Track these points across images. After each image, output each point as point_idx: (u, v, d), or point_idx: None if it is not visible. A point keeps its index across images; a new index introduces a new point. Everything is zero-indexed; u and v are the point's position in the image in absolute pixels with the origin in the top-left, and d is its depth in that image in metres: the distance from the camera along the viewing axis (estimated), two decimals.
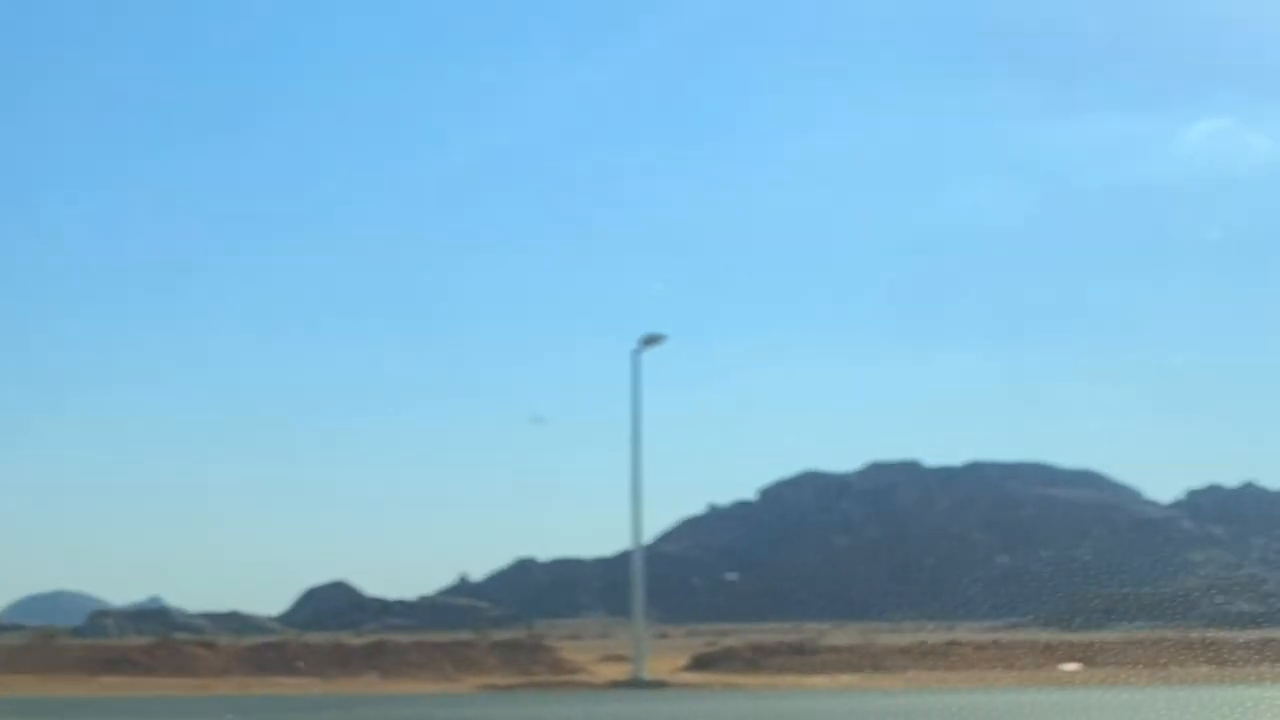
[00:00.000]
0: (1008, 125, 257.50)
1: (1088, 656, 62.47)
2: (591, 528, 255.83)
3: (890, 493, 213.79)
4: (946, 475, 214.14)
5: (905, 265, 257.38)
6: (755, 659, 69.66)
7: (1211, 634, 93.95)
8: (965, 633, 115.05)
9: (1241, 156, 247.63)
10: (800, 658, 69.79)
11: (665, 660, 69.95)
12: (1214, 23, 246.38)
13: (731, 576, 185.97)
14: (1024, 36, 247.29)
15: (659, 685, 60.38)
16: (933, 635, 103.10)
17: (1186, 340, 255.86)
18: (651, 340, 68.57)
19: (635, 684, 61.28)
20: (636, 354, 68.28)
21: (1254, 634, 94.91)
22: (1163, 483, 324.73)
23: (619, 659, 69.56)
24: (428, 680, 64.52)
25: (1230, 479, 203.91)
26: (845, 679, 58.58)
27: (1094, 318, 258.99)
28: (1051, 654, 63.83)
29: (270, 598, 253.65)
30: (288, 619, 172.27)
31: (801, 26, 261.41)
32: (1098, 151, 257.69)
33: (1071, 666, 59.62)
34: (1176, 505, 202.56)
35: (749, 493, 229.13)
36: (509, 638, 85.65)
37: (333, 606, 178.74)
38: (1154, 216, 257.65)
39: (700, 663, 71.70)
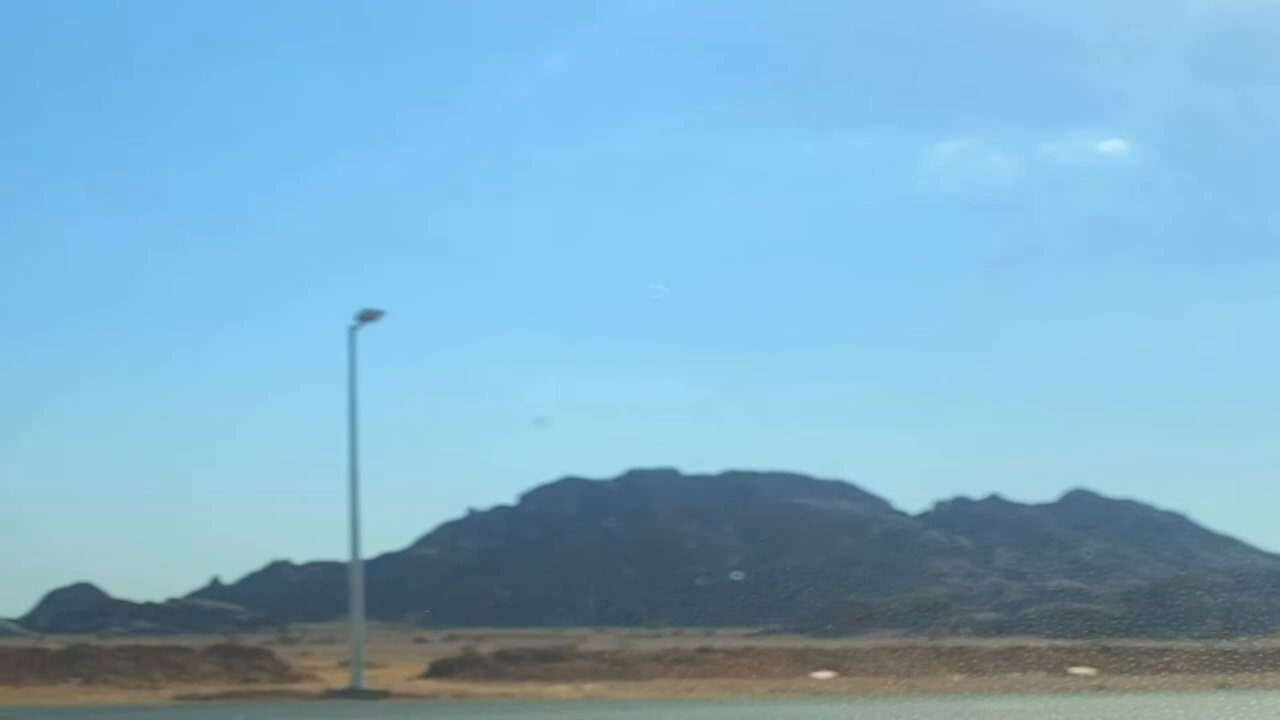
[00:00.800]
0: (756, 139, 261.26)
1: (840, 664, 63.60)
2: (347, 530, 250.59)
3: (649, 499, 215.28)
4: (704, 483, 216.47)
5: (662, 274, 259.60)
6: (498, 666, 68.00)
7: (960, 642, 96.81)
8: (723, 639, 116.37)
9: (986, 176, 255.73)
10: (546, 665, 68.22)
11: (405, 667, 68.63)
12: (958, 43, 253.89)
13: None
14: (773, 51, 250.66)
15: (380, 695, 58.94)
16: (687, 641, 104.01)
17: (935, 354, 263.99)
18: (368, 316, 64.71)
19: (354, 693, 59.78)
20: (353, 331, 64.96)
21: (1001, 642, 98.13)
22: (912, 493, 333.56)
23: (369, 665, 68.27)
24: (131, 688, 62.12)
25: (976, 491, 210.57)
26: (590, 687, 58.18)
27: (846, 330, 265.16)
28: (804, 662, 64.67)
29: (10, 599, 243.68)
30: (29, 622, 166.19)
31: (552, 35, 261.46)
32: (844, 167, 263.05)
33: (824, 674, 60.62)
34: (924, 516, 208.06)
35: (509, 497, 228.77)
36: (226, 643, 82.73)
37: (77, 609, 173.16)
38: (900, 232, 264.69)
39: (439, 669, 69.68)
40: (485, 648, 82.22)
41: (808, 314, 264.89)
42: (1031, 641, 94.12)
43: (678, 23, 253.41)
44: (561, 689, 57.78)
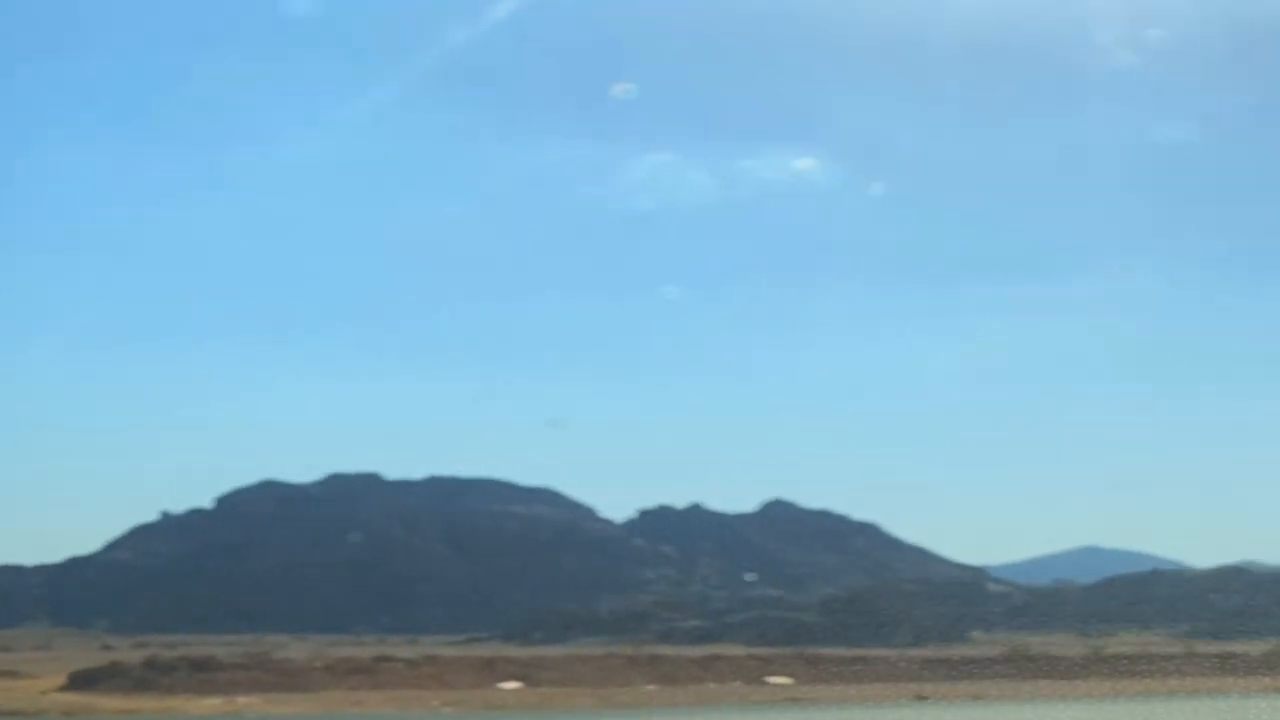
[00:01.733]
0: (456, 147, 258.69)
1: (530, 674, 61.00)
2: (33, 535, 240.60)
3: (351, 504, 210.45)
4: (408, 488, 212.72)
5: (363, 280, 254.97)
6: (148, 677, 64.23)
7: (661, 649, 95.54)
8: (426, 647, 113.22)
9: (685, 190, 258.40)
10: (202, 675, 65.05)
11: (47, 679, 63.48)
12: (659, 58, 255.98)
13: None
14: (477, 59, 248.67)
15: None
16: (390, 649, 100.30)
17: (638, 363, 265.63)
18: None
19: None
20: None
21: (701, 650, 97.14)
22: (616, 501, 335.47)
23: (11, 674, 62.94)
24: None
25: (678, 500, 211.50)
26: (245, 700, 54.31)
27: (548, 338, 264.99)
28: (492, 671, 61.82)
29: None
30: None
31: (269, 42, 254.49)
32: (544, 178, 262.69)
33: (511, 685, 57.99)
34: (629, 524, 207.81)
35: (205, 500, 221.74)
36: None
37: None
38: (600, 243, 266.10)
39: (80, 681, 65.33)
40: (135, 657, 77.34)
41: (509, 323, 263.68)
42: (733, 649, 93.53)
43: (377, 28, 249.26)
44: (211, 703, 53.63)
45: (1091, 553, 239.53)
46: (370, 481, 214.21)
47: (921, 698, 42.74)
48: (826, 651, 74.86)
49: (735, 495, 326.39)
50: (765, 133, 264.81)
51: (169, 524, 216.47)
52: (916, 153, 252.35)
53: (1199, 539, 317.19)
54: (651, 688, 56.53)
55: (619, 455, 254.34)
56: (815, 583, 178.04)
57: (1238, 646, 79.23)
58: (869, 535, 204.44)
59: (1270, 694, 40.64)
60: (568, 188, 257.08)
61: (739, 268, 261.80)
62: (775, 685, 57.28)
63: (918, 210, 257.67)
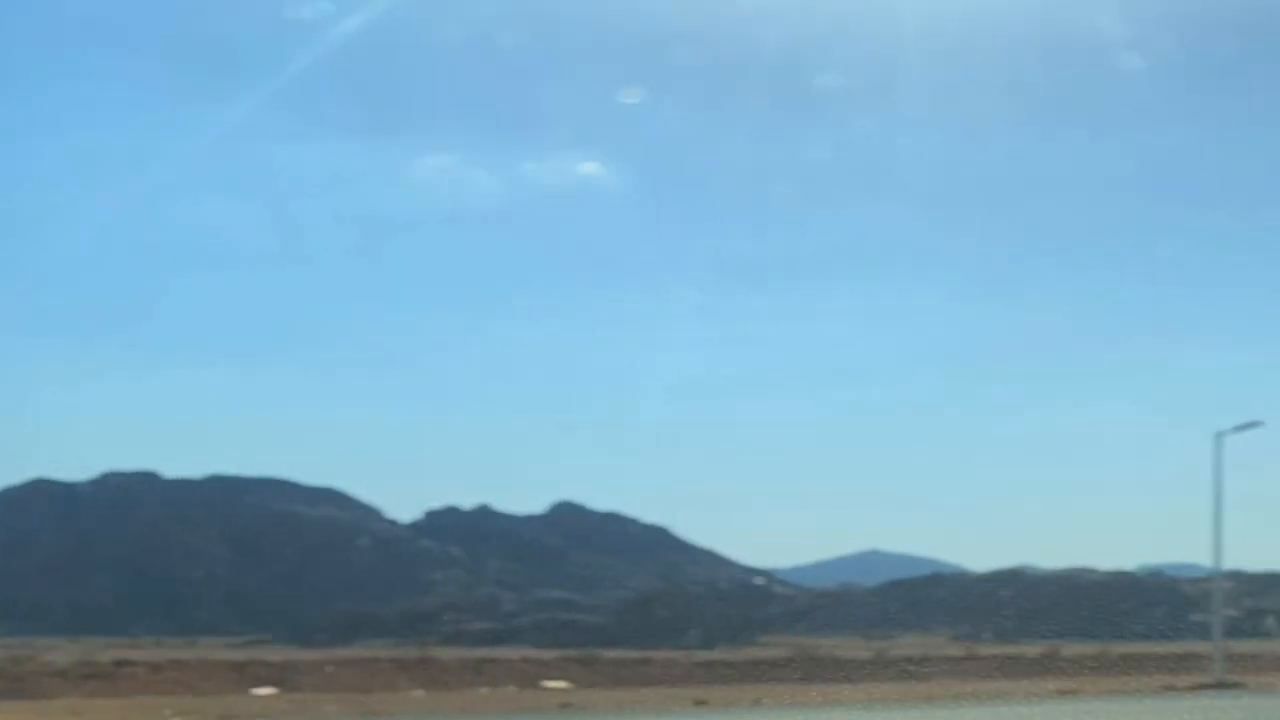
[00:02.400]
0: (235, 144, 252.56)
1: (286, 678, 57.94)
2: None
3: (128, 503, 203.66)
4: (187, 487, 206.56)
5: (137, 275, 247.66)
6: None
7: (438, 652, 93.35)
8: (206, 649, 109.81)
9: (470, 192, 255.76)
10: None
11: None
12: (445, 59, 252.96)
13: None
14: (249, 54, 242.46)
15: None
16: (159, 652, 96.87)
17: (421, 364, 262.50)
18: None
19: None
20: None
21: (488, 653, 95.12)
22: (403, 502, 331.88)
23: None
24: None
25: (466, 501, 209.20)
26: None
27: (327, 339, 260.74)
28: (244, 676, 58.54)
29: None
30: None
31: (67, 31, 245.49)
32: (326, 176, 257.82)
33: (265, 691, 55.08)
34: (416, 525, 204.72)
35: None
36: None
37: None
38: (384, 242, 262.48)
39: None
40: None
41: (291, 322, 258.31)
42: (522, 653, 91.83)
43: (151, 23, 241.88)
44: None
45: (875, 556, 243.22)
46: (147, 480, 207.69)
47: (701, 702, 40.89)
48: (611, 655, 73.12)
49: (523, 497, 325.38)
50: (551, 136, 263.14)
51: None
52: (704, 159, 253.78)
53: (977, 543, 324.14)
54: (419, 693, 54.04)
55: (406, 456, 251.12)
56: (606, 585, 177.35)
57: (1014, 648, 79.72)
58: (658, 538, 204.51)
59: (1051, 698, 39.83)
60: (347, 187, 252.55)
61: (522, 270, 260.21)
62: (551, 690, 55.16)
63: (702, 216, 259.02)
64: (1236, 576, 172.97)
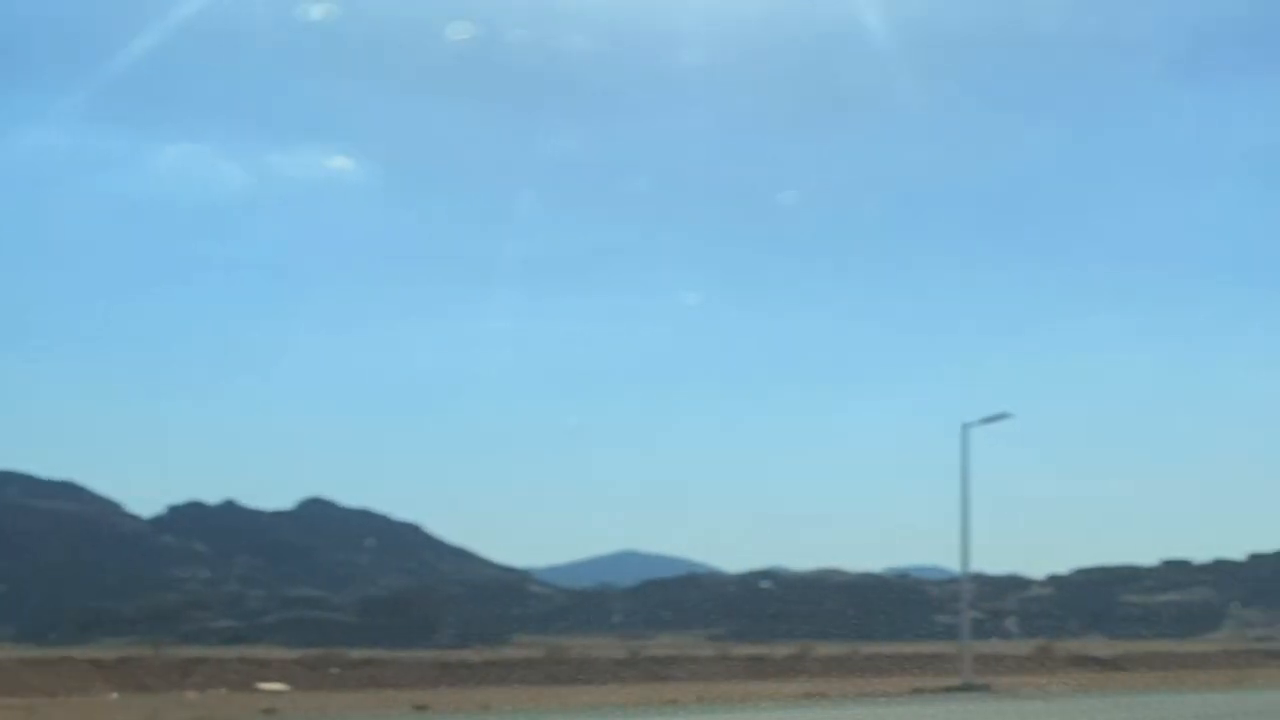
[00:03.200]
0: None
1: None
2: None
3: None
4: None
5: None
6: None
7: (178, 651, 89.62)
8: None
9: (216, 183, 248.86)
10: None
11: None
12: (187, 46, 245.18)
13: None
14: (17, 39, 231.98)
15: None
16: None
17: (169, 356, 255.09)
18: None
19: None
20: None
21: (224, 651, 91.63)
22: (145, 497, 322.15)
23: None
24: None
25: (211, 496, 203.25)
26: None
27: (78, 329, 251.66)
28: None
29: None
30: None
31: None
32: (71, 165, 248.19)
33: None
34: (158, 520, 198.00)
35: None
36: None
37: None
38: (127, 231, 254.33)
39: None
40: None
41: (29, 312, 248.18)
42: (264, 651, 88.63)
43: None
44: None
45: (632, 556, 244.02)
46: None
47: (421, 707, 37.50)
48: (356, 654, 70.26)
49: (271, 492, 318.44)
50: (299, 129, 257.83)
51: None
52: (455, 157, 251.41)
53: (732, 544, 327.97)
54: (114, 696, 50.67)
55: (148, 449, 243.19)
56: (356, 583, 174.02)
57: (768, 649, 79.77)
58: (411, 535, 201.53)
59: (798, 700, 38.89)
60: (91, 175, 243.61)
61: (270, 263, 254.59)
62: (264, 693, 52.09)
63: (451, 214, 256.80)
64: (978, 579, 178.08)
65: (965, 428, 47.18)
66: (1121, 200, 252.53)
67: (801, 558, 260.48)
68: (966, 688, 45.00)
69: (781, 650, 71.84)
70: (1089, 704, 36.14)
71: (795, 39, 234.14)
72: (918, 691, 43.51)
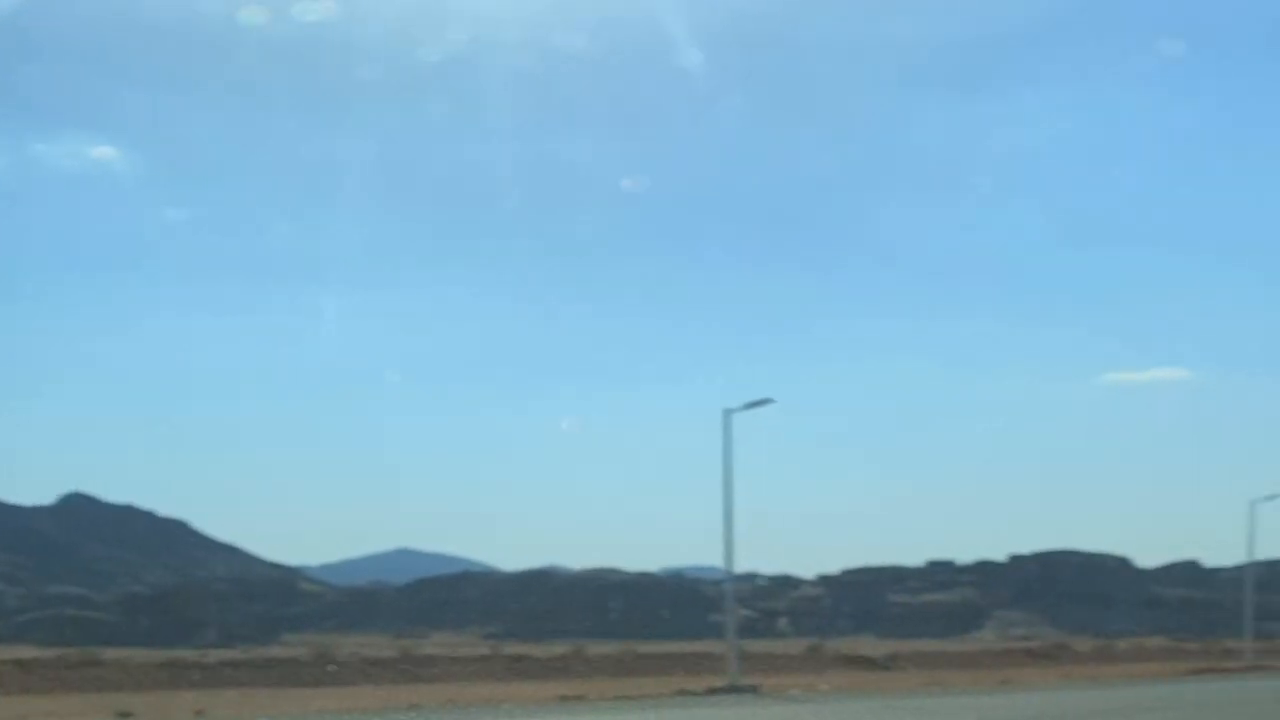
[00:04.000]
0: None
1: None
2: None
3: None
4: None
5: None
6: None
7: None
8: None
9: None
10: None
11: None
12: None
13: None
14: None
15: None
16: None
17: None
18: None
19: None
20: None
21: None
22: None
23: None
24: None
25: None
26: None
27: None
28: None
29: None
30: None
31: None
32: None
33: None
34: None
35: None
36: None
37: None
38: None
39: None
40: None
41: None
42: (21, 651, 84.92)
43: None
44: None
45: (406, 554, 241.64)
46: None
47: (125, 715, 33.71)
48: (113, 654, 67.41)
49: (31, 488, 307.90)
50: (61, 118, 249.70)
51: None
52: (223, 152, 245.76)
53: (511, 542, 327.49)
54: None
55: None
56: (120, 581, 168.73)
57: (541, 648, 79.07)
58: (177, 532, 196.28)
59: (554, 704, 37.95)
60: None
61: (31, 254, 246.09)
62: None
63: (220, 205, 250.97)
64: (752, 579, 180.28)
65: (727, 414, 46.38)
66: (887, 206, 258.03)
67: (580, 556, 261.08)
68: (733, 689, 44.23)
69: (557, 650, 71.23)
70: (856, 707, 35.76)
71: (586, 42, 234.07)
72: (682, 693, 42.67)
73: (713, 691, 43.08)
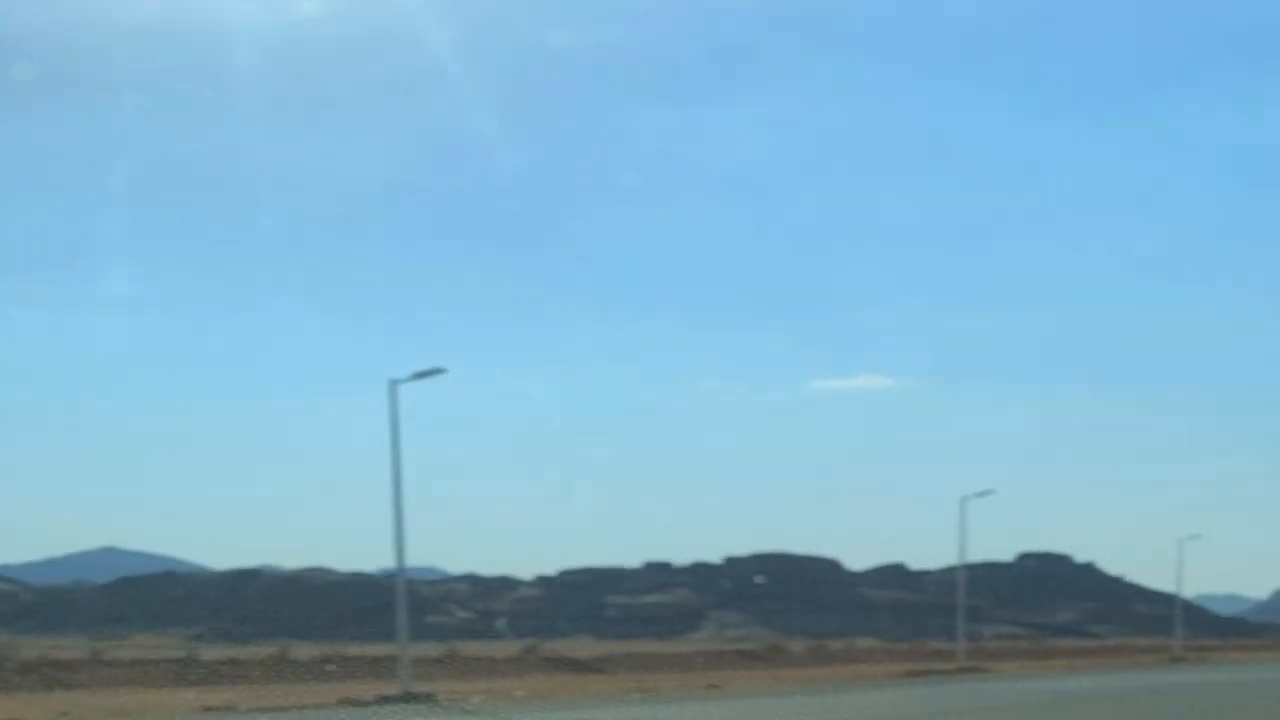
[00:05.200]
0: None
1: None
2: None
3: None
4: None
5: None
6: None
7: None
8: None
9: None
10: None
11: None
12: None
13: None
14: None
15: None
16: None
17: None
18: None
19: None
20: None
21: None
22: None
23: None
24: None
25: None
26: None
27: None
28: None
29: None
30: None
31: None
32: None
33: None
34: None
35: None
36: None
37: None
38: None
39: None
40: None
41: None
42: None
43: None
44: None
45: (111, 553, 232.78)
46: None
47: None
48: None
49: None
50: None
51: None
52: None
53: (222, 541, 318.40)
54: None
55: None
56: None
57: (247, 650, 75.99)
58: None
59: (197, 715, 35.09)
60: None
61: None
62: None
63: None
64: (471, 579, 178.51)
65: (393, 384, 43.10)
66: (599, 212, 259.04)
67: (294, 556, 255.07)
68: (407, 697, 40.63)
69: (262, 652, 68.29)
70: (537, 718, 33.34)
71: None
72: (346, 702, 39.03)
73: (383, 700, 39.49)
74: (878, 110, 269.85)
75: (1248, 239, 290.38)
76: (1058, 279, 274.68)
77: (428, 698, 40.06)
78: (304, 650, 69.13)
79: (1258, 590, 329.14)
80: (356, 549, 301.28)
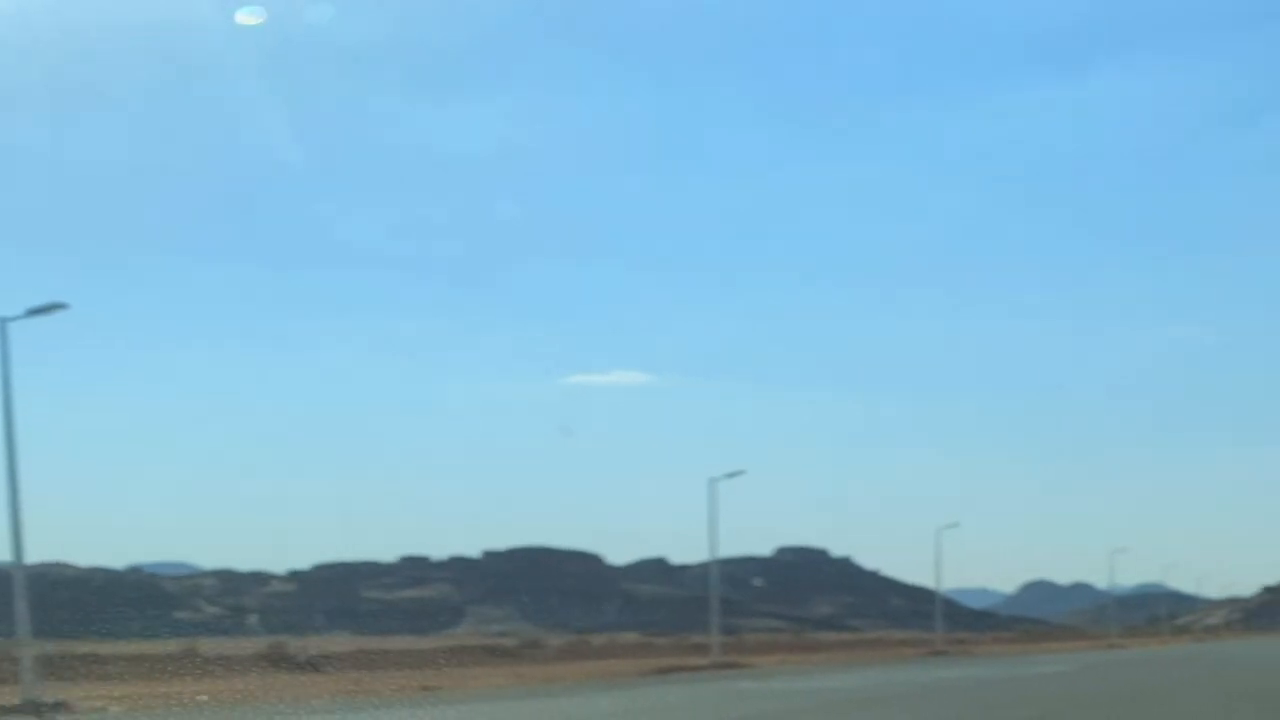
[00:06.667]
0: None
1: None
2: None
3: None
4: None
5: None
6: None
7: None
8: None
9: None
10: None
11: None
12: None
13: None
14: None
15: None
16: None
17: None
18: None
19: None
20: None
21: None
22: None
23: None
24: None
25: None
26: None
27: None
28: None
29: None
30: None
31: None
32: None
33: None
34: None
35: None
36: None
37: None
38: None
39: None
40: None
41: None
42: None
43: None
44: None
45: None
46: None
47: None
48: None
49: None
50: None
51: None
52: None
53: None
54: None
55: None
56: None
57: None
58: None
59: None
60: None
61: None
62: None
63: None
64: (223, 574, 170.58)
65: (2, 322, 36.65)
66: (358, 205, 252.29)
67: (32, 551, 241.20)
68: (30, 707, 33.70)
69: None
70: None
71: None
72: None
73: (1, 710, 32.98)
74: (619, 108, 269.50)
75: (978, 240, 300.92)
76: (797, 278, 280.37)
77: (57, 707, 33.49)
78: (30, 650, 62.39)
79: (1005, 584, 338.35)
80: (101, 544, 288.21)
